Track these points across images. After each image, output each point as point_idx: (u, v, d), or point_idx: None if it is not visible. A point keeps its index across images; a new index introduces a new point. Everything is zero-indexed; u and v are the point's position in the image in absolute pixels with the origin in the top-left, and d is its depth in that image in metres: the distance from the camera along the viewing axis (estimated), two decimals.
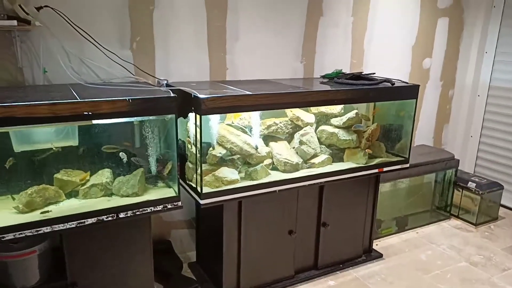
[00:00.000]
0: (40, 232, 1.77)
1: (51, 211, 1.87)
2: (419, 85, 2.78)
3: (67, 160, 2.05)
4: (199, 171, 2.14)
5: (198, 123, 2.07)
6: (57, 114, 1.71)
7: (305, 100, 2.35)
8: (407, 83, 2.82)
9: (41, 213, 1.86)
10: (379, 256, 3.02)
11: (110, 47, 2.37)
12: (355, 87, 2.57)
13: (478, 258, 3.08)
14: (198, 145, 2.11)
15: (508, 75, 3.87)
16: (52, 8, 2.16)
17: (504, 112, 3.93)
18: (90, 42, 2.30)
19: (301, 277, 2.69)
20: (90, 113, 1.78)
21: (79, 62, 2.35)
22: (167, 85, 2.44)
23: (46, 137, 1.95)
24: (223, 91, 2.23)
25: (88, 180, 2.09)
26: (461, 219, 3.68)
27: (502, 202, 3.77)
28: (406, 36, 3.64)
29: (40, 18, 2.16)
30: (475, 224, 3.58)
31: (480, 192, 3.53)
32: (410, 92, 2.76)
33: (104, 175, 2.11)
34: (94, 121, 1.87)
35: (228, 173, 2.27)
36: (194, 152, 2.21)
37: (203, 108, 2.01)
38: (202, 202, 2.14)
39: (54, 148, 1.98)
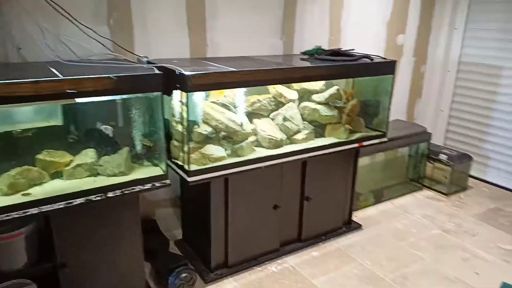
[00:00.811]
0: (27, 213, 1.73)
1: (31, 193, 1.83)
2: (396, 61, 2.85)
3: (50, 140, 1.99)
4: (186, 149, 2.14)
5: (184, 100, 2.06)
6: (40, 92, 1.65)
7: (289, 76, 2.37)
8: (385, 59, 2.88)
9: (22, 194, 1.81)
10: (358, 227, 3.15)
11: (86, 22, 2.28)
12: (335, 63, 2.61)
13: (450, 225, 3.26)
14: (185, 123, 2.10)
15: (476, 51, 4.02)
16: None
17: (472, 86, 4.10)
18: (65, 17, 2.21)
19: (286, 249, 2.77)
20: (74, 91, 1.73)
21: (54, 39, 2.26)
22: (148, 62, 2.39)
23: (28, 116, 1.88)
24: (208, 68, 2.21)
25: (72, 161, 2.04)
26: (433, 190, 3.86)
27: (471, 173, 3.97)
28: (381, 13, 3.70)
29: None
30: (446, 194, 3.76)
31: (451, 163, 3.70)
32: (388, 67, 2.83)
33: (88, 155, 2.06)
34: (78, 100, 1.81)
35: (214, 150, 2.27)
36: (180, 130, 2.20)
37: (189, 85, 2.00)
38: (190, 179, 2.15)
39: (35, 128, 1.93)
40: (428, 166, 3.88)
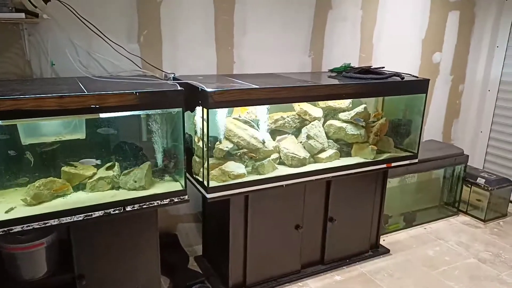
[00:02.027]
0: (47, 224, 1.78)
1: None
2: (429, 79, 2.75)
3: (74, 153, 2.05)
4: (206, 165, 2.14)
5: (205, 116, 2.06)
6: (65, 107, 1.71)
7: (313, 94, 2.33)
8: (416, 77, 2.78)
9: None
10: (386, 251, 3.01)
11: (117, 40, 2.37)
12: (363, 81, 2.54)
13: (486, 254, 3.05)
14: (205, 139, 2.11)
15: None
16: (59, 1, 2.16)
17: None
18: (98, 35, 2.30)
19: (307, 271, 2.69)
20: (97, 106, 1.78)
21: (86, 55, 2.35)
22: (174, 78, 2.43)
23: (53, 130, 1.95)
24: (230, 85, 2.21)
25: (95, 173, 2.09)
26: (470, 215, 3.65)
27: None
28: (416, 30, 3.59)
29: (48, 11, 2.16)
30: (484, 220, 3.54)
31: (489, 188, 3.49)
32: (420, 86, 2.73)
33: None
34: (101, 115, 1.87)
35: (234, 167, 2.26)
36: (201, 146, 2.20)
37: (210, 101, 2.00)
38: (208, 196, 2.14)
39: (60, 141, 1.99)
40: (464, 190, 3.67)
